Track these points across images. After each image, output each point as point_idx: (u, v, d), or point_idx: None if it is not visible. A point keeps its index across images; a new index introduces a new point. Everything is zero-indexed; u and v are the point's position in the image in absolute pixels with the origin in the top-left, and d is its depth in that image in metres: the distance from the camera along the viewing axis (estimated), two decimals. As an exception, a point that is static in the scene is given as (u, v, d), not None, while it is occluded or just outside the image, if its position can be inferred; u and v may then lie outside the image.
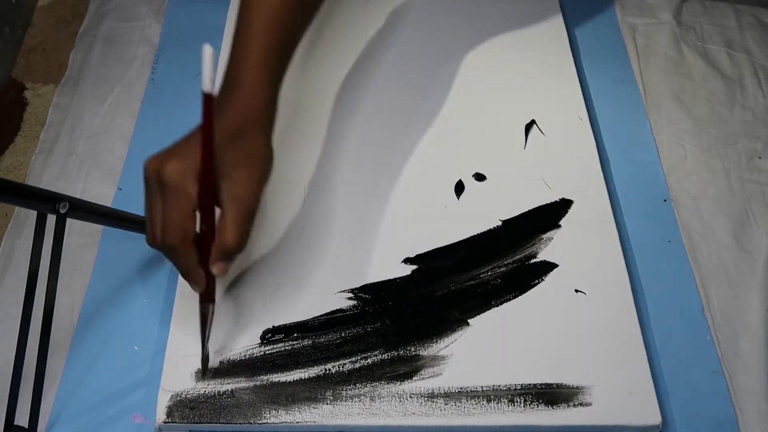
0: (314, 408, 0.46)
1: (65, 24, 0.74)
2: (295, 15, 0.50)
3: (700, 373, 0.50)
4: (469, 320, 0.50)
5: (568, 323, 0.49)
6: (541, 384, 0.47)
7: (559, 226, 0.54)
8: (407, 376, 0.47)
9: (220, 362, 0.48)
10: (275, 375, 0.47)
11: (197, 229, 0.42)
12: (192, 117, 0.63)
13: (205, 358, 0.47)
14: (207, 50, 0.36)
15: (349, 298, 0.51)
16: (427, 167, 0.58)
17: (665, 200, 0.59)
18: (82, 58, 0.70)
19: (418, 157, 0.58)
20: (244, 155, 0.43)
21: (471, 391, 0.47)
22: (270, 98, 0.46)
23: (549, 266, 0.52)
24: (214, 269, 0.42)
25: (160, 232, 0.41)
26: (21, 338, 0.44)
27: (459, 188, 0.57)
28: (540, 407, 0.46)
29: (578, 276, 0.52)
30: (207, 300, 0.45)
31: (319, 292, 0.51)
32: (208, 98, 0.39)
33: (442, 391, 0.47)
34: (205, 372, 0.47)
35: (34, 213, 0.44)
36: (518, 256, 0.53)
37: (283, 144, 0.60)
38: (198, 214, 0.42)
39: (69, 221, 0.45)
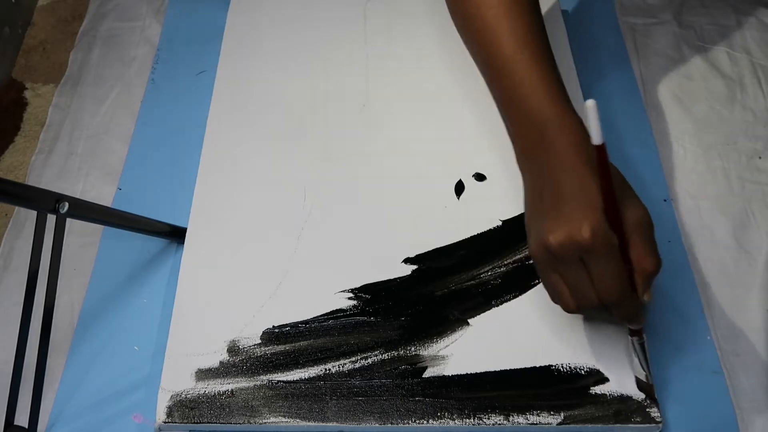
0: (314, 408, 0.46)
1: (65, 24, 0.74)
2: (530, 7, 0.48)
3: (700, 373, 0.50)
4: (469, 320, 0.50)
5: (567, 323, 0.49)
6: (541, 383, 0.47)
7: (559, 226, 0.54)
8: (407, 376, 0.47)
9: (220, 362, 0.48)
10: (275, 375, 0.47)
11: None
12: (192, 117, 0.64)
13: (650, 386, 0.46)
14: (590, 104, 0.37)
15: (349, 298, 0.51)
16: (427, 167, 0.58)
17: (665, 200, 0.59)
18: (82, 58, 0.70)
19: (418, 156, 0.58)
20: (615, 179, 0.42)
21: (471, 391, 0.47)
22: (569, 109, 0.45)
23: (549, 266, 0.52)
24: (647, 296, 0.42)
25: (599, 295, 0.41)
26: (21, 338, 0.44)
27: (459, 188, 0.57)
28: (541, 408, 0.46)
29: (578, 276, 0.52)
30: (640, 334, 0.46)
31: (319, 292, 0.51)
32: (602, 149, 0.39)
33: (442, 392, 0.47)
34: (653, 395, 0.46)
35: (34, 213, 0.44)
36: (518, 256, 0.53)
37: (283, 144, 0.60)
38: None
39: (69, 221, 0.45)
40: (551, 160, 0.43)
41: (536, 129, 0.44)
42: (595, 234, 0.39)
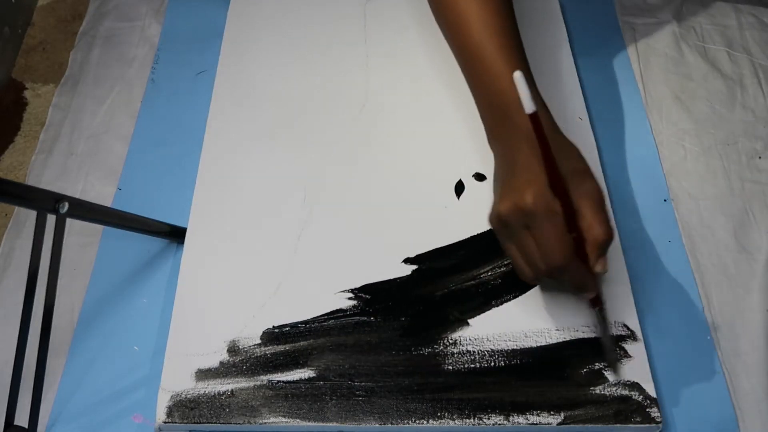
0: (314, 408, 0.46)
1: (65, 24, 0.74)
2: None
3: (700, 373, 0.50)
4: (469, 320, 0.50)
5: (568, 324, 0.49)
6: (541, 384, 0.47)
7: (559, 226, 0.54)
8: (407, 376, 0.47)
9: (220, 362, 0.48)
10: (275, 375, 0.47)
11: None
12: (192, 117, 0.64)
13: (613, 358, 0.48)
14: (516, 75, 0.38)
15: (349, 298, 0.51)
16: (427, 167, 0.58)
17: (665, 200, 0.59)
18: (82, 58, 0.70)
19: (418, 156, 0.58)
20: (566, 153, 0.44)
21: (471, 391, 0.47)
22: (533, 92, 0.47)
23: (549, 266, 0.52)
24: (599, 267, 0.43)
25: (544, 260, 0.42)
26: (21, 338, 0.44)
27: (459, 188, 0.57)
28: (541, 408, 0.46)
29: (578, 276, 0.52)
30: (599, 303, 0.47)
31: (319, 292, 0.51)
32: (534, 118, 0.40)
33: (442, 392, 0.47)
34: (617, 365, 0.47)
35: (34, 213, 0.44)
36: (518, 256, 0.53)
37: (284, 144, 0.60)
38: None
39: (69, 221, 0.45)
40: (512, 139, 0.45)
41: (501, 110, 0.46)
42: (536, 200, 0.41)
